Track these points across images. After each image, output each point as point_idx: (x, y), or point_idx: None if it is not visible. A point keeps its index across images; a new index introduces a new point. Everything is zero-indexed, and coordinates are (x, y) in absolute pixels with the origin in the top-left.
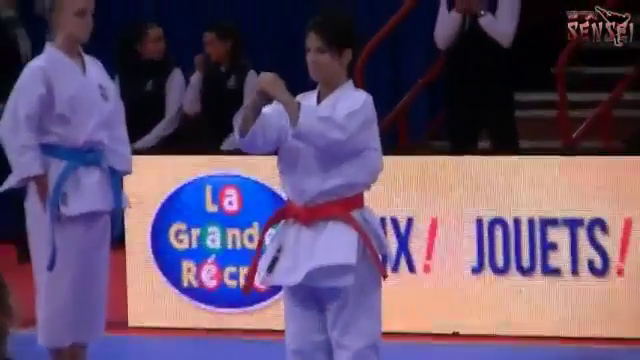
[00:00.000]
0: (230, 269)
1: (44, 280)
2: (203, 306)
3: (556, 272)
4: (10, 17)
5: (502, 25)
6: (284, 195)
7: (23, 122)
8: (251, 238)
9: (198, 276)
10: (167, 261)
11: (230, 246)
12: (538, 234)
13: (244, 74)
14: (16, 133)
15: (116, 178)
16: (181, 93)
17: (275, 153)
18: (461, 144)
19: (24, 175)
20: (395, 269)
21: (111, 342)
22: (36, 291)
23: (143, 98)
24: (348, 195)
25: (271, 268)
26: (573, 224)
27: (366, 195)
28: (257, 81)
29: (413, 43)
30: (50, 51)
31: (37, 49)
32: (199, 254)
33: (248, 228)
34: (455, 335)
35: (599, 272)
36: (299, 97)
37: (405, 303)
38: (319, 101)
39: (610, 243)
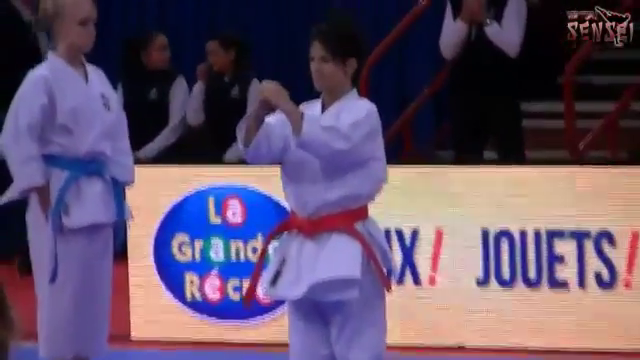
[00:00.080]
0: (234, 281)
1: (46, 293)
2: (206, 319)
3: (563, 285)
4: (31, 20)
5: (508, 34)
6: (288, 207)
7: (24, 132)
8: (255, 250)
9: (201, 289)
10: (170, 273)
11: (234, 258)
12: (545, 246)
13: (248, 84)
14: (17, 143)
15: (119, 189)
16: (185, 101)
17: (279, 164)
18: (467, 154)
19: (25, 186)
20: (400, 281)
21: (113, 355)
22: (37, 304)
23: (147, 106)
24: (352, 207)
25: (274, 281)
26: (580, 236)
27: (370, 206)
28: (259, 90)
29: (419, 52)
30: (52, 60)
31: None
32: (202, 266)
33: (252, 240)
34: (460, 348)
35: (606, 285)
36: (303, 106)
37: (410, 316)
38: (323, 110)
39: (617, 255)
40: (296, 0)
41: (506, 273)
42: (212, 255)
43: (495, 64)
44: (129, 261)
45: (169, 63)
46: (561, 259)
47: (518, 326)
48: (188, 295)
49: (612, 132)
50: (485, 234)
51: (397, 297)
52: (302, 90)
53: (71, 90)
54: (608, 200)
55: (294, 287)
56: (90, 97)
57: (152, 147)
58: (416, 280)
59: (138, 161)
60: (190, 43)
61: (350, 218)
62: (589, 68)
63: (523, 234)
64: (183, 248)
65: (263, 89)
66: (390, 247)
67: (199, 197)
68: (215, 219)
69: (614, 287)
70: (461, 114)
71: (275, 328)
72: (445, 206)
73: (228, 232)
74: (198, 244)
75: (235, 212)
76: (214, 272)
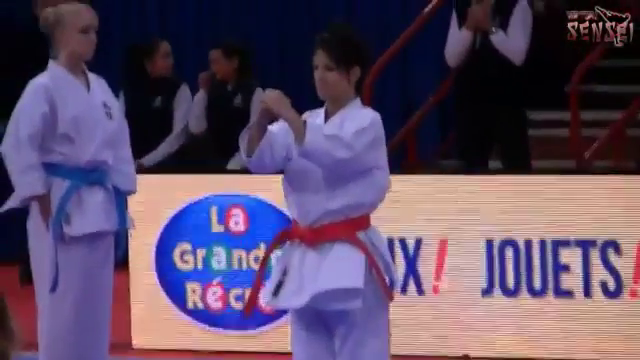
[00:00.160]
0: (236, 291)
1: (46, 301)
2: (208, 328)
3: (568, 294)
4: None
5: (514, 42)
6: (290, 215)
7: (25, 141)
8: (257, 259)
9: (203, 298)
10: (172, 282)
11: (236, 267)
12: (550, 255)
13: (251, 92)
14: (18, 152)
15: (120, 198)
16: (188, 109)
17: (282, 172)
18: (472, 163)
19: (26, 195)
20: (404, 290)
21: None
22: (38, 313)
23: (152, 114)
24: (354, 216)
25: (277, 291)
26: (586, 245)
27: (373, 215)
28: (261, 99)
29: (423, 61)
30: (53, 68)
31: None
32: (204, 275)
33: (254, 249)
34: (465, 358)
35: (612, 294)
36: (306, 115)
37: (414, 325)
38: (326, 119)
39: (623, 264)
40: (299, 8)
41: (511, 283)
42: (214, 264)
43: (500, 73)
44: (130, 270)
45: (172, 70)
46: (566, 268)
47: (523, 336)
48: (190, 304)
49: (618, 141)
50: (490, 243)
51: (401, 306)
52: (306, 99)
53: (72, 99)
54: (614, 209)
55: (296, 297)
56: (92, 106)
57: (156, 154)
58: (420, 290)
59: (142, 169)
60: (191, 51)
61: (352, 227)
62: (595, 76)
63: (528, 243)
64: (185, 257)
65: (265, 98)
66: (394, 256)
67: (201, 206)
68: (217, 228)
69: (620, 296)
70: (466, 123)
71: (277, 338)
72: (449, 215)
73: (230, 241)
74: (200, 253)
75: (238, 221)
76: (216, 281)
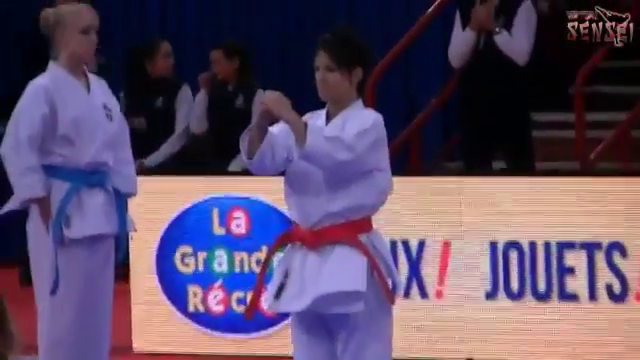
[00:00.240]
0: (237, 294)
1: (46, 304)
2: (209, 332)
3: (573, 297)
4: None
5: (518, 43)
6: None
7: (25, 143)
8: (259, 262)
9: (204, 301)
10: (173, 285)
11: (237, 270)
12: (554, 258)
13: (252, 93)
14: (18, 154)
15: (121, 200)
16: (190, 109)
17: (283, 174)
18: (475, 165)
19: (26, 197)
20: (407, 294)
21: None
22: (38, 315)
23: (153, 115)
24: (355, 218)
25: (278, 294)
26: (591, 248)
27: (376, 217)
28: (261, 101)
29: (427, 61)
30: (53, 70)
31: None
32: (206, 278)
33: (256, 252)
34: None
35: (618, 297)
36: (307, 116)
37: (417, 328)
38: (328, 120)
39: (629, 267)
40: (300, 9)
41: (515, 286)
42: (216, 267)
43: (504, 74)
44: (131, 272)
45: (172, 71)
46: (571, 271)
47: (527, 339)
48: (191, 307)
49: (623, 142)
50: (493, 246)
51: (403, 309)
52: (307, 100)
53: (72, 100)
54: (619, 211)
55: (298, 300)
56: (92, 107)
57: (158, 155)
58: (423, 293)
59: (143, 170)
60: (192, 51)
61: (353, 229)
62: (600, 78)
63: (532, 246)
64: (186, 259)
65: (265, 99)
66: (396, 259)
67: (203, 208)
68: (219, 230)
69: (625, 300)
70: (470, 124)
71: (279, 341)
72: (453, 217)
73: (232, 243)
74: (202, 255)
75: (239, 223)
76: (218, 284)
